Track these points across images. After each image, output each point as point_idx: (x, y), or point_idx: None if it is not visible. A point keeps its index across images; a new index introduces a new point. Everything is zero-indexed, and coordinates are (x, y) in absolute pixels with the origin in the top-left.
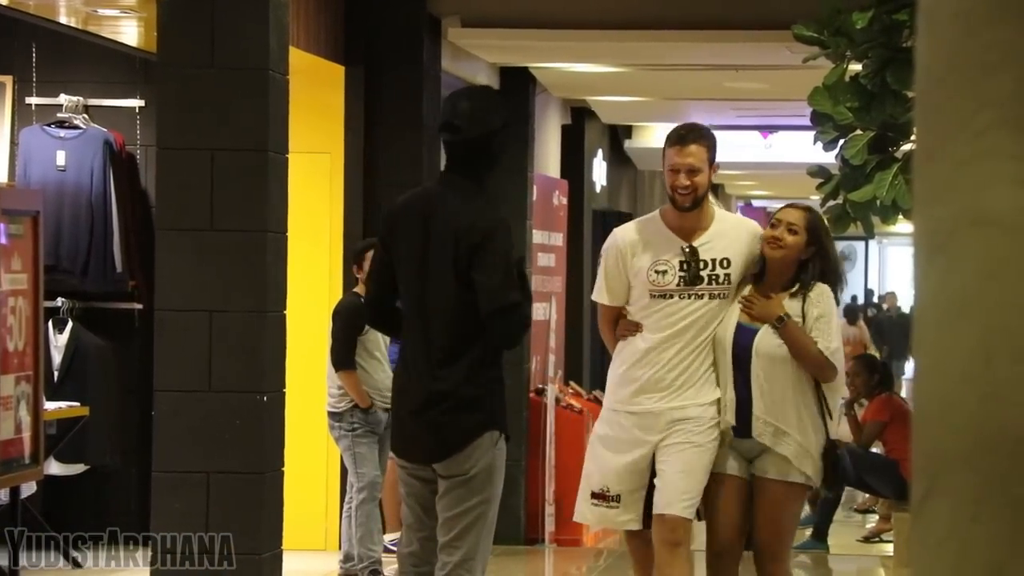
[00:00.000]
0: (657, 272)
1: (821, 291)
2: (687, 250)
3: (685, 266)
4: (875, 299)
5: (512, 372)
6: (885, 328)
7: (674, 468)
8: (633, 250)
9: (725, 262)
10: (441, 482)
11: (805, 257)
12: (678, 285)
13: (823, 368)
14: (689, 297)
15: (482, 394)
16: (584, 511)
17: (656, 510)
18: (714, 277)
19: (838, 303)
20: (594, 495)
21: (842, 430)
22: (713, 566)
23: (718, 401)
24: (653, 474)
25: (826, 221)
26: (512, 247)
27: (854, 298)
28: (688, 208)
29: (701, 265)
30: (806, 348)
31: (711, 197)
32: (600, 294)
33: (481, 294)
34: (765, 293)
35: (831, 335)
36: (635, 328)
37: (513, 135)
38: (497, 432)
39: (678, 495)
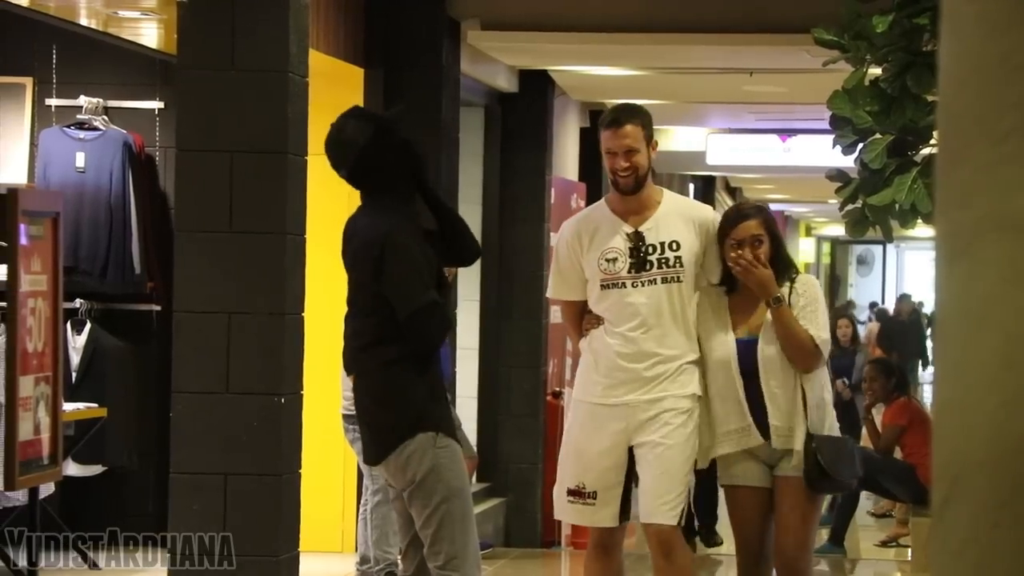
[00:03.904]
0: (607, 260)
1: (807, 281)
2: (631, 235)
3: (632, 252)
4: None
5: (529, 375)
6: (895, 333)
7: (653, 473)
8: (583, 240)
9: (674, 244)
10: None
11: (772, 255)
12: (628, 272)
13: (809, 355)
14: (640, 284)
15: (407, 397)
16: (562, 509)
17: (641, 519)
18: (663, 261)
19: None
20: (570, 492)
21: (828, 420)
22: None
23: (695, 396)
24: (630, 469)
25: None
26: (412, 247)
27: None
28: (631, 191)
29: (648, 250)
30: (796, 333)
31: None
32: (552, 289)
33: (395, 305)
34: (745, 300)
35: (820, 324)
36: (598, 321)
37: (531, 138)
38: (432, 433)
39: (659, 503)
